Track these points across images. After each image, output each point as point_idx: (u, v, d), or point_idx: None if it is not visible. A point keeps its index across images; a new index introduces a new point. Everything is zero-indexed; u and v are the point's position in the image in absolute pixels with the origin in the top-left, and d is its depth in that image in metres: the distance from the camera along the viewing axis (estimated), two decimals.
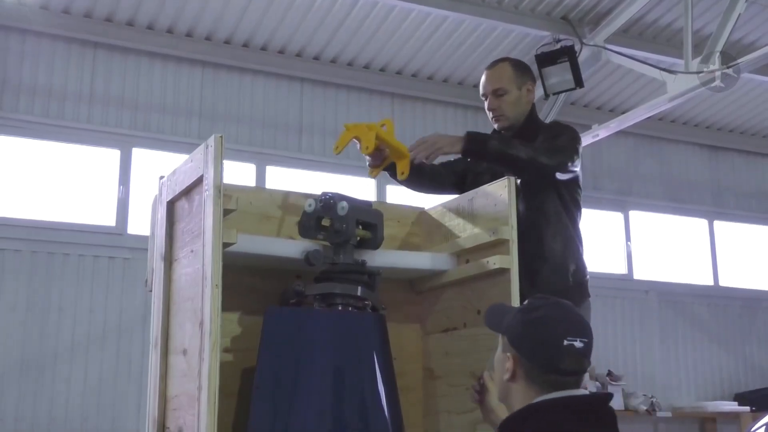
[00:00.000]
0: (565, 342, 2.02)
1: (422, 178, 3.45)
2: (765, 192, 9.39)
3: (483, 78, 3.47)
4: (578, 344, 2.04)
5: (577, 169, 3.28)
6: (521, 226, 2.96)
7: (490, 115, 3.45)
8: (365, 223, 2.92)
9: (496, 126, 3.45)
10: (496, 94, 3.40)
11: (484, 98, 3.46)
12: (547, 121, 7.17)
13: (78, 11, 6.41)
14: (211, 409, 2.28)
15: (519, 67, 3.49)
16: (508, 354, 2.09)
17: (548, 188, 3.29)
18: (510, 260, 2.87)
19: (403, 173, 3.13)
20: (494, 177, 3.11)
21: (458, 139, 3.15)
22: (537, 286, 3.09)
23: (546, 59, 6.60)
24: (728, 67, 5.84)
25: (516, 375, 2.06)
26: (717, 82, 5.90)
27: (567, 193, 3.33)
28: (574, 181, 3.35)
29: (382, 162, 3.15)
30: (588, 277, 3.38)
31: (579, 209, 3.42)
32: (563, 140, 3.24)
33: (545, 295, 2.21)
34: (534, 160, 3.12)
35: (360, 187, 7.17)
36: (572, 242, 3.33)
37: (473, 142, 3.14)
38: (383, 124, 3.07)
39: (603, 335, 7.84)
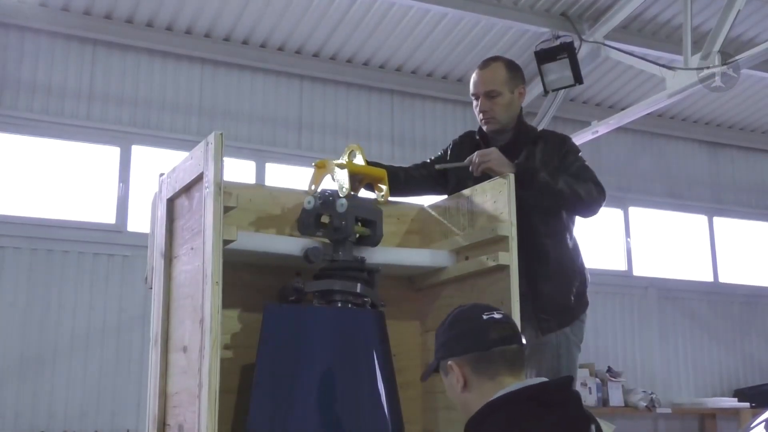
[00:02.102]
0: (484, 316, 2.08)
1: (397, 185, 3.37)
2: (764, 188, 9.39)
3: (475, 77, 3.38)
4: (497, 315, 2.09)
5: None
6: (526, 240, 2.96)
7: (480, 116, 3.37)
8: (364, 220, 2.92)
9: (485, 128, 3.38)
10: (489, 95, 3.31)
11: (474, 98, 3.38)
12: (541, 125, 7.26)
13: (77, 8, 6.40)
14: (211, 406, 2.28)
15: (512, 68, 3.39)
16: (450, 363, 2.11)
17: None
18: (509, 257, 2.87)
19: (383, 196, 3.10)
20: (477, 181, 3.12)
21: (510, 165, 3.08)
22: (541, 305, 3.09)
23: (545, 56, 6.61)
24: (726, 64, 5.83)
25: (467, 379, 2.08)
26: (717, 82, 5.89)
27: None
28: None
29: (359, 185, 3.13)
30: (588, 285, 3.38)
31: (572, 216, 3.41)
32: (588, 173, 3.25)
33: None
34: (582, 199, 3.15)
35: None
36: (576, 256, 3.33)
37: (524, 172, 3.07)
38: (351, 150, 3.06)
39: (603, 331, 7.85)
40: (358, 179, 3.06)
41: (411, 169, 3.54)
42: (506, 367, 2.03)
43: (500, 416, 1.96)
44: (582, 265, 3.37)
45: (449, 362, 2.11)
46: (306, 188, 3.06)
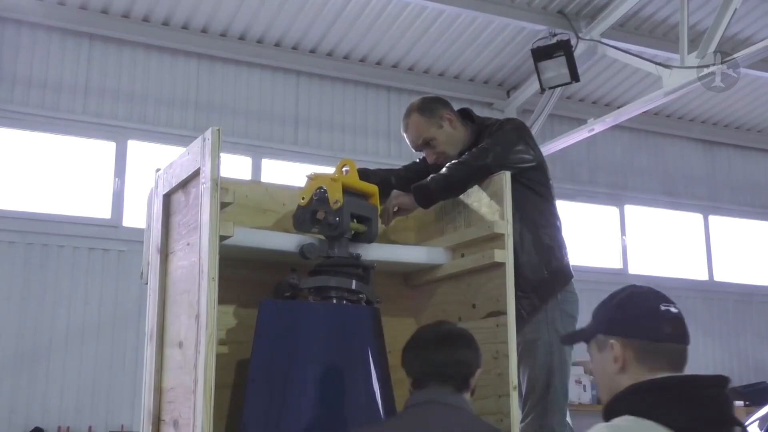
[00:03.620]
0: (662, 307, 1.97)
1: (389, 191, 3.35)
2: (760, 187, 9.41)
3: (406, 138, 3.45)
4: (673, 310, 1.97)
5: (527, 156, 3.20)
6: None
7: (437, 162, 3.38)
8: (360, 216, 2.92)
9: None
10: (429, 145, 3.37)
11: (417, 150, 3.44)
12: (538, 122, 7.29)
13: (73, 2, 6.39)
14: (207, 401, 2.28)
15: (425, 108, 3.41)
16: (611, 342, 1.97)
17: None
18: (505, 254, 2.87)
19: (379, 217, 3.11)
20: None
21: (408, 195, 3.17)
22: (516, 282, 3.04)
23: (542, 53, 6.61)
24: (723, 62, 5.84)
25: (626, 361, 1.95)
26: (717, 82, 5.89)
27: (528, 183, 3.24)
28: (534, 169, 3.26)
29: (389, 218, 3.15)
30: (567, 259, 3.30)
31: (546, 196, 3.33)
32: (493, 140, 3.20)
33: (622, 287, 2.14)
34: (475, 170, 3.10)
35: None
36: (542, 232, 3.24)
37: (419, 192, 3.13)
38: (344, 165, 3.06)
39: None
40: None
41: (401, 171, 3.56)
42: (669, 364, 1.93)
43: (634, 400, 1.88)
44: (559, 243, 3.29)
45: (612, 340, 1.97)
46: (302, 185, 3.05)
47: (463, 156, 3.18)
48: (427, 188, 3.13)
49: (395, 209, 3.21)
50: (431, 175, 3.17)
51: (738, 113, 8.91)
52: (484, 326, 2.91)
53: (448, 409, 2.39)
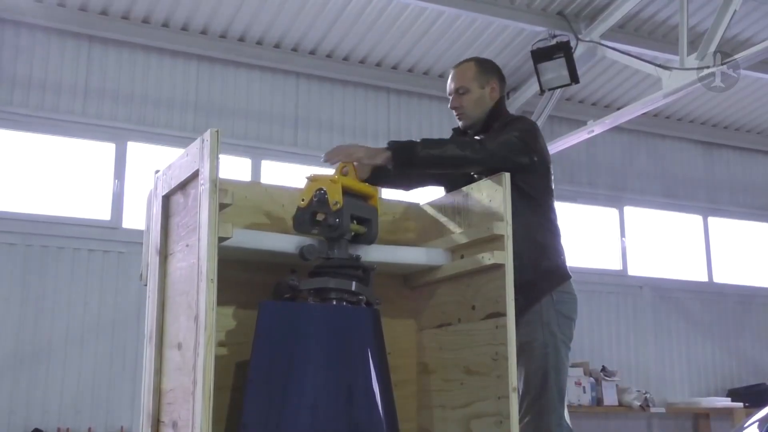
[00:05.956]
0: None
1: (386, 180, 3.34)
2: (759, 188, 9.42)
3: (449, 77, 3.48)
4: None
5: (523, 159, 3.09)
6: None
7: (454, 113, 3.45)
8: (360, 218, 2.92)
9: (459, 124, 3.45)
10: (458, 92, 3.40)
11: (449, 96, 3.45)
12: (543, 114, 7.29)
13: (73, 4, 6.40)
14: (206, 403, 2.28)
15: (484, 66, 3.47)
16: None
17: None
18: (505, 255, 2.86)
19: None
20: (467, 175, 3.13)
21: (380, 150, 3.02)
22: None
23: (542, 55, 6.62)
24: (724, 63, 5.84)
25: None
26: (716, 81, 5.89)
27: (523, 183, 3.18)
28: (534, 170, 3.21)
29: None
30: (562, 260, 3.29)
31: (544, 195, 3.31)
32: (508, 136, 3.13)
33: None
34: (466, 160, 3.05)
35: None
36: (535, 234, 3.22)
37: (400, 150, 2.99)
38: (344, 166, 3.06)
39: (597, 331, 7.86)
40: None
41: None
42: None
43: None
44: (552, 244, 3.28)
45: None
46: (302, 186, 3.05)
47: (464, 139, 3.22)
48: (411, 149, 2.99)
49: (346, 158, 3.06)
50: (422, 138, 3.07)
51: (738, 115, 8.92)
52: (484, 328, 2.91)
53: None
